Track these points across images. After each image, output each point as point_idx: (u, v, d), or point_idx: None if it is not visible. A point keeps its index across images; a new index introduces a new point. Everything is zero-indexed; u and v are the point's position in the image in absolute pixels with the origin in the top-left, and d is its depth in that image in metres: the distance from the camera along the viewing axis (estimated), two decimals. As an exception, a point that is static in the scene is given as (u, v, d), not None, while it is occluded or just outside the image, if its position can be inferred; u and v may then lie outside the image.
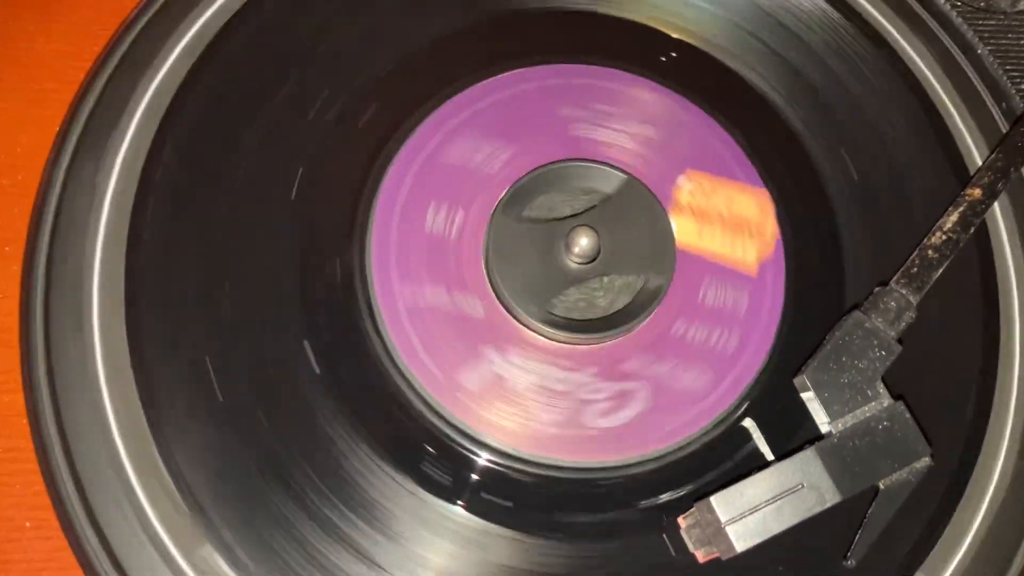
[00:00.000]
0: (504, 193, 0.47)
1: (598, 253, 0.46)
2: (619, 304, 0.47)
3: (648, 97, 0.51)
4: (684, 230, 0.48)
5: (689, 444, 0.45)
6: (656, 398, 0.45)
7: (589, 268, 0.47)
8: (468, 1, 0.51)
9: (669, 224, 0.47)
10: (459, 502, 0.42)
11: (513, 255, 0.46)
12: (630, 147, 0.49)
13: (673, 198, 0.48)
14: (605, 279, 0.48)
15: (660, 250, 0.47)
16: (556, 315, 0.46)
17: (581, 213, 0.48)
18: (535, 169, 0.48)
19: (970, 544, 0.44)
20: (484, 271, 0.46)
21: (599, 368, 0.45)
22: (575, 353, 0.46)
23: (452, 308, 0.45)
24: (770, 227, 0.48)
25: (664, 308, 0.46)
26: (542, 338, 0.45)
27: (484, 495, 0.43)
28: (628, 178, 0.48)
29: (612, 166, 0.48)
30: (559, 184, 0.49)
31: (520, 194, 0.48)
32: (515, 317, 0.45)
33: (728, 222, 0.48)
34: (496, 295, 0.46)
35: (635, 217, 0.48)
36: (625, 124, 0.50)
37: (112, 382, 0.42)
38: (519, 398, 0.44)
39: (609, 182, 0.48)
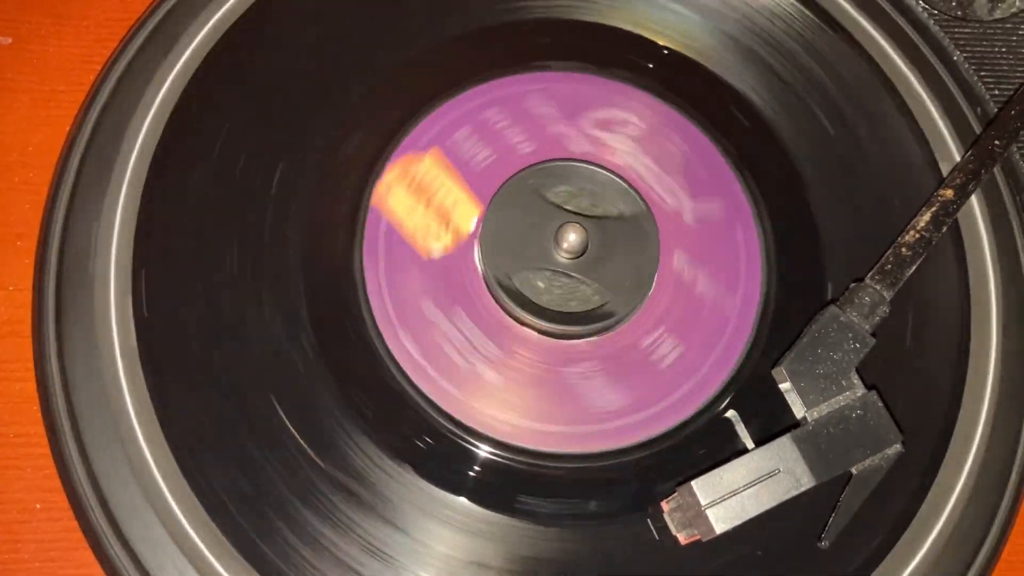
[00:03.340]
0: (531, 165, 0.49)
1: (584, 252, 0.48)
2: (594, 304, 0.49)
3: (662, 120, 0.52)
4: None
5: (674, 434, 0.46)
6: (644, 391, 0.47)
7: (571, 264, 0.48)
8: (459, 9, 0.53)
9: (657, 265, 0.48)
10: (461, 493, 0.44)
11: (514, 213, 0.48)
12: (639, 165, 0.51)
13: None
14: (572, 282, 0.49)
15: (637, 284, 0.48)
16: (528, 297, 0.48)
17: (586, 215, 0.49)
18: (568, 159, 0.50)
19: (941, 529, 0.46)
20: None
21: (591, 362, 0.47)
22: (570, 348, 0.47)
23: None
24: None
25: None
26: (513, 321, 0.47)
27: (483, 485, 0.44)
28: (645, 209, 0.49)
29: (637, 192, 0.49)
30: (581, 182, 0.50)
31: (544, 173, 0.49)
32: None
33: (436, 208, 0.48)
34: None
35: (632, 244, 0.49)
36: (636, 142, 0.51)
37: (121, 369, 0.43)
38: (510, 388, 0.46)
39: (626, 204, 0.50)
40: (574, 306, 0.48)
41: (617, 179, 0.49)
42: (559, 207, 0.49)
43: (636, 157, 0.51)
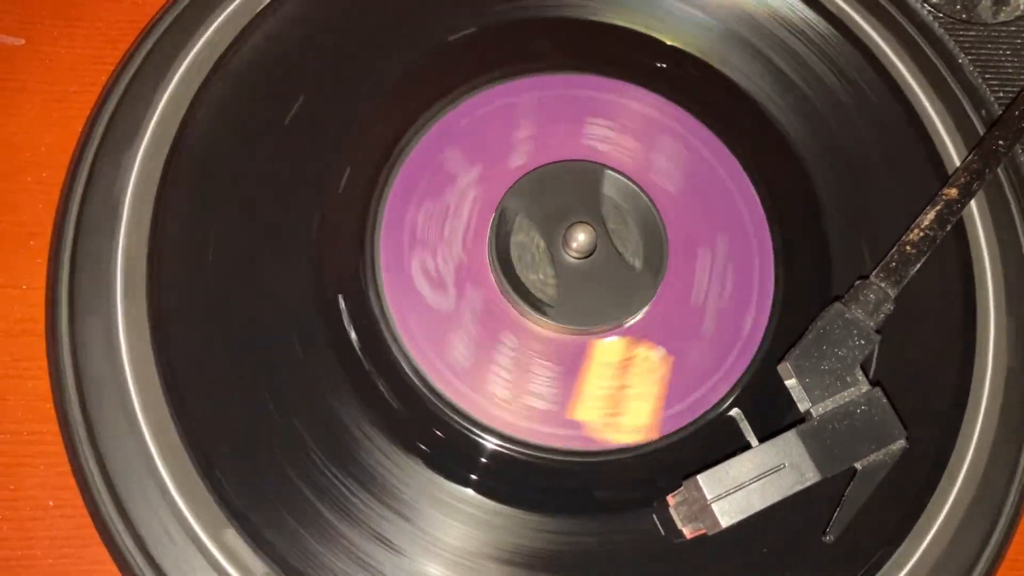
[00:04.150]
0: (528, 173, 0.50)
1: (592, 253, 0.48)
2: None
3: (639, 104, 0.53)
4: (606, 352, 0.48)
5: (683, 430, 0.47)
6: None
7: (577, 263, 0.49)
8: (475, 11, 0.53)
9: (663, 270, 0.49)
10: (469, 484, 0.44)
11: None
12: (627, 154, 0.51)
13: (633, 341, 0.49)
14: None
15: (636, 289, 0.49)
16: (527, 287, 0.48)
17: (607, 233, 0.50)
18: (571, 160, 0.50)
19: (945, 525, 0.46)
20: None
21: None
22: (572, 342, 0.48)
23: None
24: (618, 438, 0.47)
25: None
26: (541, 328, 0.48)
27: (492, 477, 0.45)
28: (659, 222, 0.50)
29: (652, 202, 0.50)
30: (612, 190, 0.51)
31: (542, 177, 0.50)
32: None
33: (619, 392, 0.48)
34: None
35: (637, 243, 0.50)
36: (619, 132, 0.52)
37: (135, 367, 0.43)
38: (521, 384, 0.46)
39: (638, 209, 0.50)
40: (535, 286, 0.49)
41: (663, 237, 0.50)
42: (598, 210, 0.50)
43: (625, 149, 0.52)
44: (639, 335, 0.48)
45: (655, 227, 0.50)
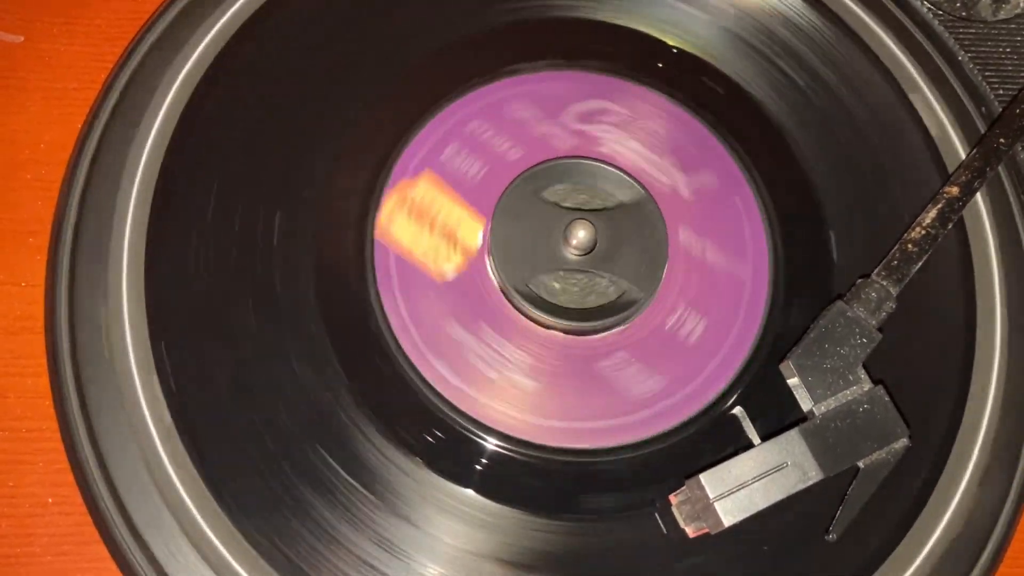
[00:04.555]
0: (525, 171, 0.49)
1: (593, 248, 0.48)
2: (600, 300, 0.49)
3: (642, 103, 0.53)
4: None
5: (685, 429, 0.47)
6: (651, 388, 0.47)
7: (582, 260, 0.48)
8: (469, 12, 0.53)
9: (666, 246, 0.49)
10: (470, 485, 0.44)
11: (518, 221, 0.49)
12: (628, 151, 0.51)
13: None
14: (587, 278, 0.49)
15: (650, 268, 0.49)
16: (548, 300, 0.48)
17: (588, 210, 0.50)
18: (560, 158, 0.50)
19: (948, 523, 0.46)
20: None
21: (595, 358, 0.47)
22: (573, 343, 0.48)
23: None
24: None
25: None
26: (537, 325, 0.48)
27: (492, 478, 0.45)
28: (645, 194, 0.50)
29: (633, 178, 0.50)
30: (576, 178, 0.50)
31: (539, 176, 0.50)
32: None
33: (440, 229, 0.48)
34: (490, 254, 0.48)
35: (638, 230, 0.49)
36: (621, 129, 0.52)
37: (134, 365, 0.43)
38: (518, 383, 0.46)
39: (624, 191, 0.50)
40: (593, 300, 0.48)
41: (610, 168, 0.50)
42: (560, 206, 0.49)
43: (623, 143, 0.51)
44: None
45: (632, 187, 0.50)
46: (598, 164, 0.50)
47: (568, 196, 0.50)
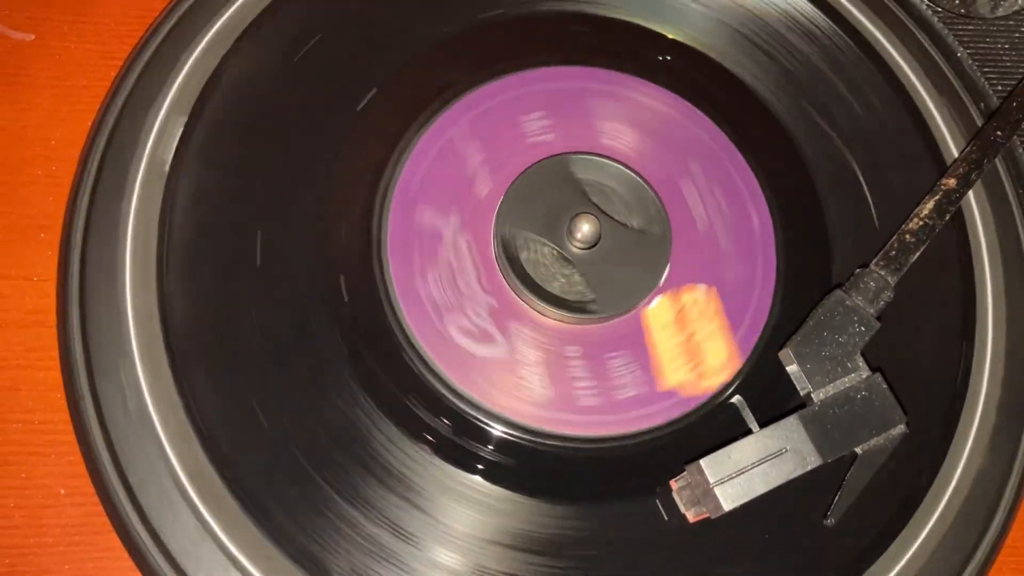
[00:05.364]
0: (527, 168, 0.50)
1: (597, 242, 0.49)
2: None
3: (644, 98, 0.53)
4: (658, 315, 0.49)
5: (686, 418, 0.47)
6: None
7: (586, 254, 0.49)
8: (471, 6, 0.54)
9: (668, 250, 0.49)
10: (477, 472, 0.45)
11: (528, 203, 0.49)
12: (630, 147, 0.52)
13: (675, 293, 0.50)
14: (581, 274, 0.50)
15: (652, 264, 0.49)
16: (559, 295, 0.49)
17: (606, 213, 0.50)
18: (565, 153, 0.51)
19: (945, 511, 0.47)
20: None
21: (600, 348, 0.48)
22: (578, 333, 0.48)
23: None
24: (714, 382, 0.48)
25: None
26: (546, 317, 0.48)
27: (500, 464, 0.45)
28: (656, 201, 0.50)
29: (648, 184, 0.50)
30: (617, 184, 0.51)
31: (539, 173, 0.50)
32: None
33: (690, 344, 0.49)
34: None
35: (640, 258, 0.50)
36: (623, 125, 0.52)
37: (144, 357, 0.44)
38: (528, 374, 0.47)
39: (636, 194, 0.51)
40: (564, 290, 0.49)
41: (651, 194, 0.50)
42: (587, 196, 0.50)
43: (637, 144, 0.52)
44: (677, 284, 0.49)
45: (637, 186, 0.50)
46: (645, 186, 0.50)
47: (598, 193, 0.51)
